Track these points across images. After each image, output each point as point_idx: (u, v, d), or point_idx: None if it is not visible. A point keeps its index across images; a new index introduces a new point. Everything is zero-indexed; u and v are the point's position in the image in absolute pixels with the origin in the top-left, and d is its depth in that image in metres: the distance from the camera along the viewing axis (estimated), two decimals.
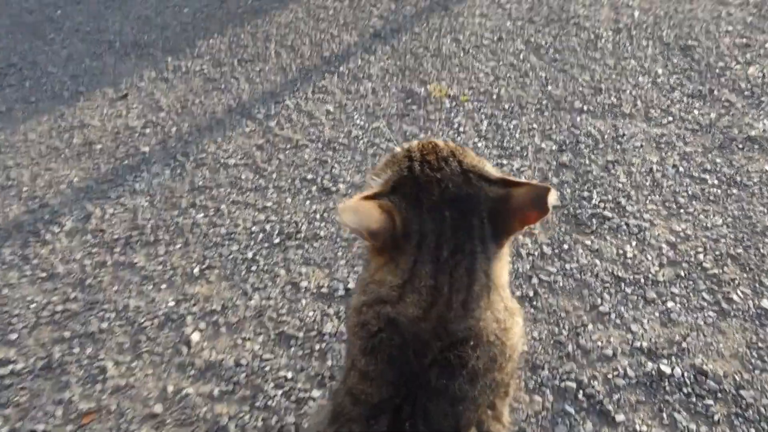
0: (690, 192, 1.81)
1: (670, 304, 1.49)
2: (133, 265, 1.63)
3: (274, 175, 1.91)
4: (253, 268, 1.61)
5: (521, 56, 2.41)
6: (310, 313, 1.49)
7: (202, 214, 1.78)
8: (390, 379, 0.78)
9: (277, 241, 1.69)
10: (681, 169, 1.89)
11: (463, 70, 2.35)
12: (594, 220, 1.72)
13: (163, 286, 1.57)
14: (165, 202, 1.82)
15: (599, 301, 1.51)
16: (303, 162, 1.95)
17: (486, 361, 0.77)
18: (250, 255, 1.65)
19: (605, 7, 2.70)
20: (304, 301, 1.52)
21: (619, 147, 1.98)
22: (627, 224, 1.71)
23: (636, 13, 2.68)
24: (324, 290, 1.55)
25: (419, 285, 0.77)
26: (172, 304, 1.52)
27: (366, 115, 2.14)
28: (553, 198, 0.73)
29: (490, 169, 0.81)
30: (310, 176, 1.90)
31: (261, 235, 1.71)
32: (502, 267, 0.79)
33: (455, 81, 2.29)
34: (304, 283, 1.56)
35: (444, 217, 0.77)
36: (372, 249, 0.80)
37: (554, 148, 1.95)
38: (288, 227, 1.73)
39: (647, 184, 1.84)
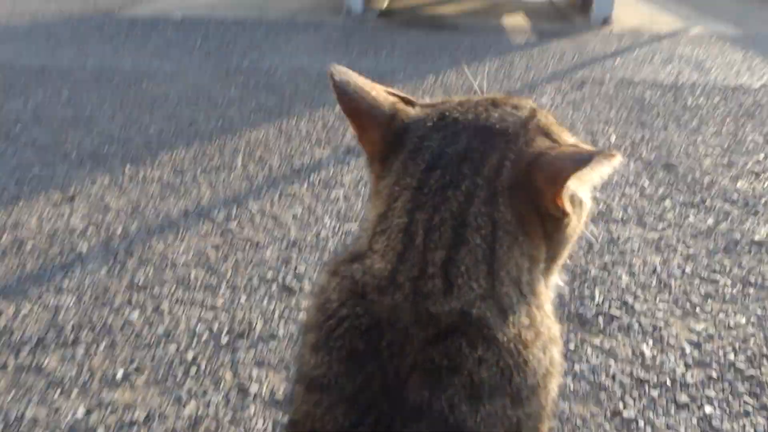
0: (702, 292, 1.60)
1: (708, 409, 1.21)
2: (40, 369, 1.31)
3: (229, 273, 1.66)
4: (193, 371, 1.31)
5: None
6: (259, 423, 1.17)
7: (137, 313, 1.49)
8: (349, 392, 0.50)
9: (225, 341, 1.40)
10: (688, 270, 1.70)
11: None
12: (600, 319, 1.48)
13: (74, 392, 1.25)
14: (95, 300, 1.54)
15: (621, 405, 1.23)
16: (263, 261, 1.71)
17: (493, 373, 0.50)
18: (190, 356, 1.35)
19: (581, 132, 2.66)
20: (252, 408, 1.21)
21: (616, 249, 1.80)
22: (639, 323, 1.48)
23: (612, 138, 2.63)
24: (278, 396, 1.24)
25: (391, 222, 0.53)
26: (81, 413, 1.20)
27: (337, 218, 1.95)
28: (610, 162, 0.50)
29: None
30: (270, 275, 1.65)
31: (206, 335, 1.42)
32: (524, 254, 0.54)
33: None
34: (254, 388, 1.26)
35: (456, 139, 0.55)
36: (369, 164, 0.59)
37: None
38: (240, 326, 1.45)
39: (653, 284, 1.63)
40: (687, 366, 1.34)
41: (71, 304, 1.52)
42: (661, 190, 2.15)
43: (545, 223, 0.54)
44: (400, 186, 0.54)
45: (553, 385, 0.57)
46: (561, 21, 5.08)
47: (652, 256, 1.76)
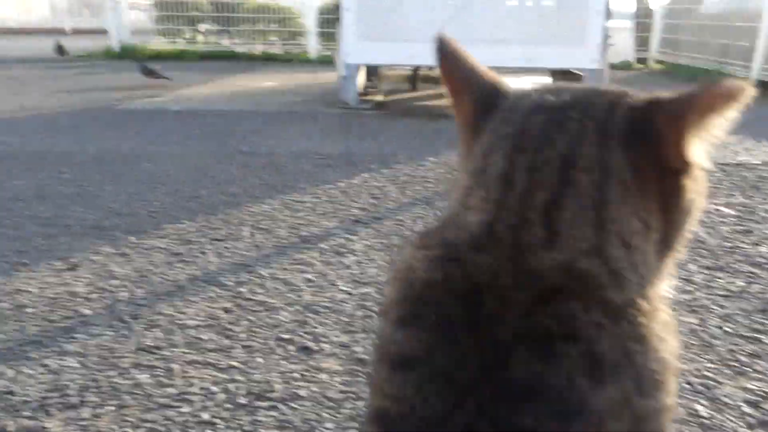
0: (748, 351, 1.54)
1: None
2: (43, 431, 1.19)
3: (243, 335, 1.57)
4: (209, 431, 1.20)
5: None
6: None
7: (147, 375, 1.39)
8: (443, 367, 0.43)
9: (243, 401, 1.30)
10: (728, 329, 1.64)
11: None
12: None
13: None
14: (101, 363, 1.43)
15: None
16: (278, 323, 1.63)
17: (614, 345, 0.44)
18: (206, 417, 1.24)
19: None
20: None
21: None
22: (689, 383, 1.40)
23: None
24: None
25: (487, 172, 0.48)
26: None
27: (352, 282, 1.88)
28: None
29: None
30: (286, 336, 1.57)
31: (222, 396, 1.32)
32: (636, 214, 0.48)
33: None
34: None
35: (560, 94, 0.51)
36: (462, 129, 0.55)
37: None
38: (258, 387, 1.35)
39: (695, 343, 1.57)
40: (750, 426, 1.25)
41: (75, 366, 1.41)
42: (684, 255, 2.11)
43: (663, 181, 0.49)
44: (498, 136, 0.50)
45: (673, 385, 0.50)
46: None
47: (687, 317, 1.70)
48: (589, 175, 0.47)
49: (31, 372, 1.40)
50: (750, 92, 0.45)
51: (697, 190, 0.51)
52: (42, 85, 6.30)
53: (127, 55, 9.35)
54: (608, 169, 0.47)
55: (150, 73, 6.28)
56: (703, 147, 0.49)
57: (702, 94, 0.46)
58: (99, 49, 9.97)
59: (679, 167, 0.48)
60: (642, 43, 9.55)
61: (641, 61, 9.54)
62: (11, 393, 1.31)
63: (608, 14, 4.77)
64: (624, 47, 9.69)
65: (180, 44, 10.03)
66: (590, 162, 0.47)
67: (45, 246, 2.14)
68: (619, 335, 0.45)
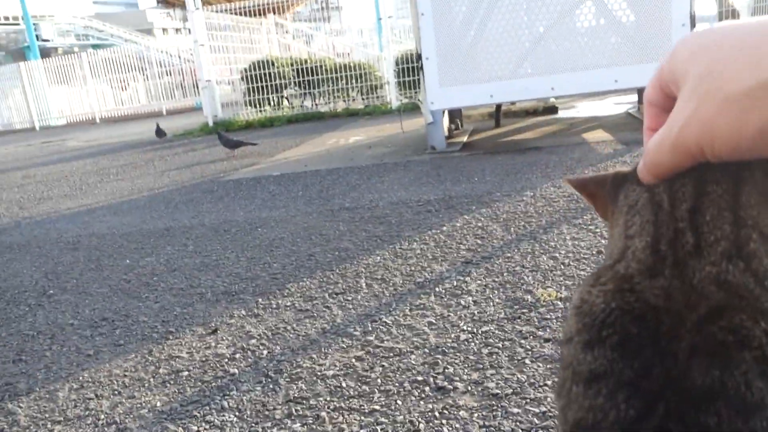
0: None
1: None
2: None
3: (379, 380, 1.66)
4: None
5: None
6: None
7: (299, 424, 1.51)
8: (628, 377, 0.49)
9: None
10: None
11: (567, 278, 2.19)
12: None
13: None
14: (256, 416, 1.56)
15: None
16: (410, 367, 1.71)
17: None
18: None
19: None
20: None
21: None
22: None
23: None
24: None
25: (636, 209, 0.54)
26: None
27: (472, 321, 1.95)
28: None
29: None
30: (420, 378, 1.64)
31: None
32: None
33: (562, 287, 2.12)
34: None
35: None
36: (606, 218, 0.61)
37: None
38: (403, 428, 1.43)
39: None
40: None
41: (235, 420, 1.55)
42: None
43: None
44: (636, 195, 0.57)
45: None
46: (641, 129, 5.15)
47: None
48: (721, 186, 0.52)
49: (195, 428, 1.54)
50: None
51: None
52: (152, 166, 6.85)
53: (221, 127, 10.01)
54: (741, 179, 0.52)
55: (236, 144, 6.61)
56: None
57: None
58: (195, 126, 10.72)
59: None
60: None
61: None
62: None
63: (693, 23, 4.69)
64: None
65: (267, 112, 10.62)
66: (721, 176, 0.52)
67: (186, 313, 2.34)
68: None
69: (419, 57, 5.14)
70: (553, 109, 7.06)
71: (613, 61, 4.88)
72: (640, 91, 6.16)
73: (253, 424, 1.53)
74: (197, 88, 12.69)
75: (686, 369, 0.47)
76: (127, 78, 18.11)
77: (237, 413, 1.59)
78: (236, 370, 1.83)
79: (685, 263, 0.50)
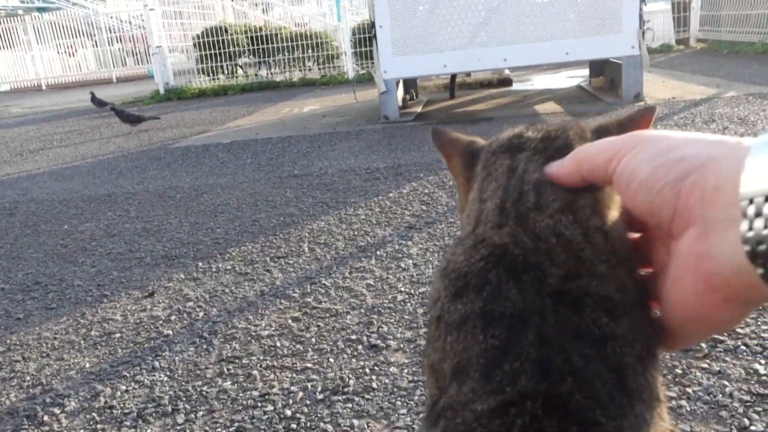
0: None
1: None
2: None
3: (314, 340, 1.66)
4: (293, 425, 1.29)
5: None
6: None
7: (230, 382, 1.50)
8: (500, 312, 0.52)
9: (320, 397, 1.39)
10: None
11: None
12: (704, 344, 1.43)
13: None
14: (188, 375, 1.55)
15: (747, 421, 1.16)
16: (345, 326, 1.72)
17: (618, 283, 0.52)
18: (288, 413, 1.33)
19: None
20: None
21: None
22: (746, 344, 1.41)
23: None
24: None
25: (497, 185, 0.59)
26: None
27: (410, 283, 1.96)
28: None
29: None
30: (354, 337, 1.65)
31: (301, 394, 1.41)
32: None
33: None
34: None
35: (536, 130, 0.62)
36: (458, 185, 0.66)
37: None
38: (333, 384, 1.43)
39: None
40: None
41: (165, 380, 1.53)
42: None
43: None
44: (496, 153, 0.60)
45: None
46: (593, 102, 5.23)
47: None
48: None
49: (126, 388, 1.52)
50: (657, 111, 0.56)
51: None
52: (98, 133, 6.64)
53: (172, 96, 9.76)
54: None
55: (137, 120, 6.43)
56: None
57: (641, 116, 0.56)
58: (146, 94, 10.43)
59: None
60: (681, 23, 9.37)
61: (682, 41, 9.35)
62: (111, 407, 1.43)
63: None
64: (663, 30, 9.53)
65: (221, 80, 10.40)
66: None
67: (123, 278, 2.29)
68: (608, 247, 0.54)
69: (373, 25, 5.08)
70: (507, 82, 7.10)
71: (564, 34, 4.91)
72: (591, 65, 6.24)
73: (183, 383, 1.51)
74: (149, 54, 12.32)
75: (555, 312, 0.50)
76: (76, 44, 17.45)
77: (168, 373, 1.57)
78: (170, 332, 1.81)
79: (527, 216, 0.55)
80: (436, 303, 0.59)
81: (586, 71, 6.75)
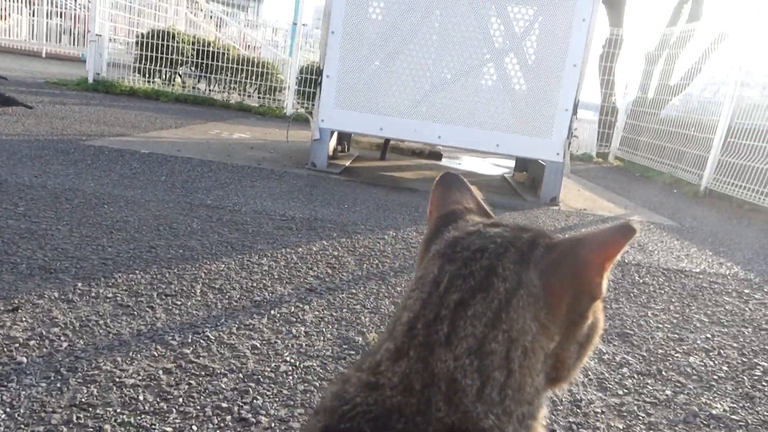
0: None
1: None
2: None
3: (181, 400, 1.54)
4: None
5: None
6: None
7: None
8: None
9: None
10: None
11: None
12: None
13: None
14: (30, 416, 1.39)
15: None
16: (219, 390, 1.61)
17: None
18: None
19: None
20: None
21: (579, 411, 1.78)
22: None
23: None
24: None
25: (424, 280, 0.58)
26: None
27: (298, 354, 1.88)
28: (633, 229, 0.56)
29: None
30: (225, 405, 1.55)
31: None
32: (536, 320, 0.55)
33: None
34: None
35: (490, 230, 0.60)
36: (422, 247, 0.66)
37: None
38: None
39: None
40: None
41: (3, 417, 1.37)
42: (618, 358, 2.18)
43: (573, 304, 0.55)
44: (438, 252, 0.58)
45: None
46: (512, 196, 5.41)
47: (615, 421, 1.75)
48: (503, 283, 0.53)
49: None
50: (638, 232, 0.54)
51: (595, 326, 0.58)
52: (7, 110, 6.22)
53: (100, 88, 9.36)
54: (521, 282, 0.54)
55: (5, 101, 5.81)
56: (607, 277, 0.56)
57: (617, 234, 0.53)
58: (73, 78, 9.95)
59: (596, 294, 0.55)
60: (604, 138, 9.99)
61: (602, 155, 9.95)
62: None
63: (575, 111, 5.01)
64: (588, 139, 10.13)
65: (156, 84, 10.08)
66: (507, 274, 0.54)
67: None
68: None
69: (320, 72, 5.09)
70: (437, 155, 7.26)
71: (499, 126, 5.10)
72: (517, 159, 6.49)
73: (23, 426, 1.36)
74: (87, 39, 11.81)
75: None
76: (10, 8, 16.53)
77: (8, 409, 1.41)
78: (25, 359, 1.64)
79: (432, 350, 0.51)
80: (316, 414, 0.55)
81: (512, 163, 7.02)
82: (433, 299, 0.54)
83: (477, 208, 0.68)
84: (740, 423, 1.83)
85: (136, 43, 10.14)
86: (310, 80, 9.56)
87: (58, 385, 1.53)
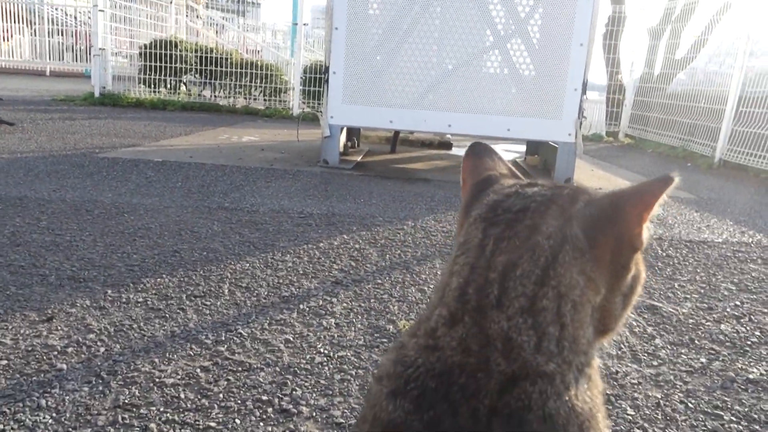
0: (709, 426, 1.57)
1: None
2: None
3: (221, 395, 1.56)
4: None
5: None
6: None
7: None
8: (418, 429, 0.51)
9: None
10: (690, 405, 1.68)
11: None
12: None
13: None
14: (76, 419, 1.41)
15: None
16: (257, 384, 1.63)
17: (562, 404, 0.53)
18: None
19: None
20: None
21: (616, 383, 1.77)
22: None
23: None
24: None
25: (468, 244, 0.59)
26: None
27: (330, 345, 1.89)
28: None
29: None
30: (265, 398, 1.56)
31: None
32: (583, 274, 0.56)
33: None
34: None
35: (530, 187, 0.61)
36: (460, 215, 0.65)
37: None
38: None
39: (659, 417, 1.60)
40: None
41: (50, 422, 1.39)
42: (650, 330, 2.18)
43: (615, 255, 0.56)
44: (480, 215, 0.59)
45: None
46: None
47: (652, 391, 1.75)
48: (547, 240, 0.54)
49: (3, 428, 1.37)
50: (677, 181, 0.54)
51: (638, 277, 0.59)
52: (19, 128, 6.28)
53: (107, 101, 9.42)
54: (565, 237, 0.54)
55: None
56: (649, 228, 0.57)
57: (655, 184, 0.54)
58: (79, 93, 10.02)
59: (637, 245, 0.55)
60: (613, 117, 9.93)
61: (612, 134, 9.89)
62: None
63: (585, 90, 4.99)
64: (596, 120, 10.07)
65: (162, 94, 10.13)
66: (550, 231, 0.54)
67: (20, 295, 2.11)
68: (561, 397, 0.53)
69: (327, 70, 5.10)
70: (447, 145, 7.25)
71: (508, 111, 5.09)
72: (528, 143, 6.47)
73: (71, 429, 1.38)
74: (90, 54, 11.89)
75: (488, 424, 0.50)
76: (13, 29, 16.66)
77: (54, 414, 1.43)
78: (65, 366, 1.66)
79: (485, 314, 0.53)
80: (380, 381, 0.57)
81: (523, 147, 7.00)
82: (481, 263, 0.55)
83: (510, 173, 0.69)
84: None
85: (140, 54, 10.19)
86: (314, 79, 9.57)
87: (100, 388, 1.55)
